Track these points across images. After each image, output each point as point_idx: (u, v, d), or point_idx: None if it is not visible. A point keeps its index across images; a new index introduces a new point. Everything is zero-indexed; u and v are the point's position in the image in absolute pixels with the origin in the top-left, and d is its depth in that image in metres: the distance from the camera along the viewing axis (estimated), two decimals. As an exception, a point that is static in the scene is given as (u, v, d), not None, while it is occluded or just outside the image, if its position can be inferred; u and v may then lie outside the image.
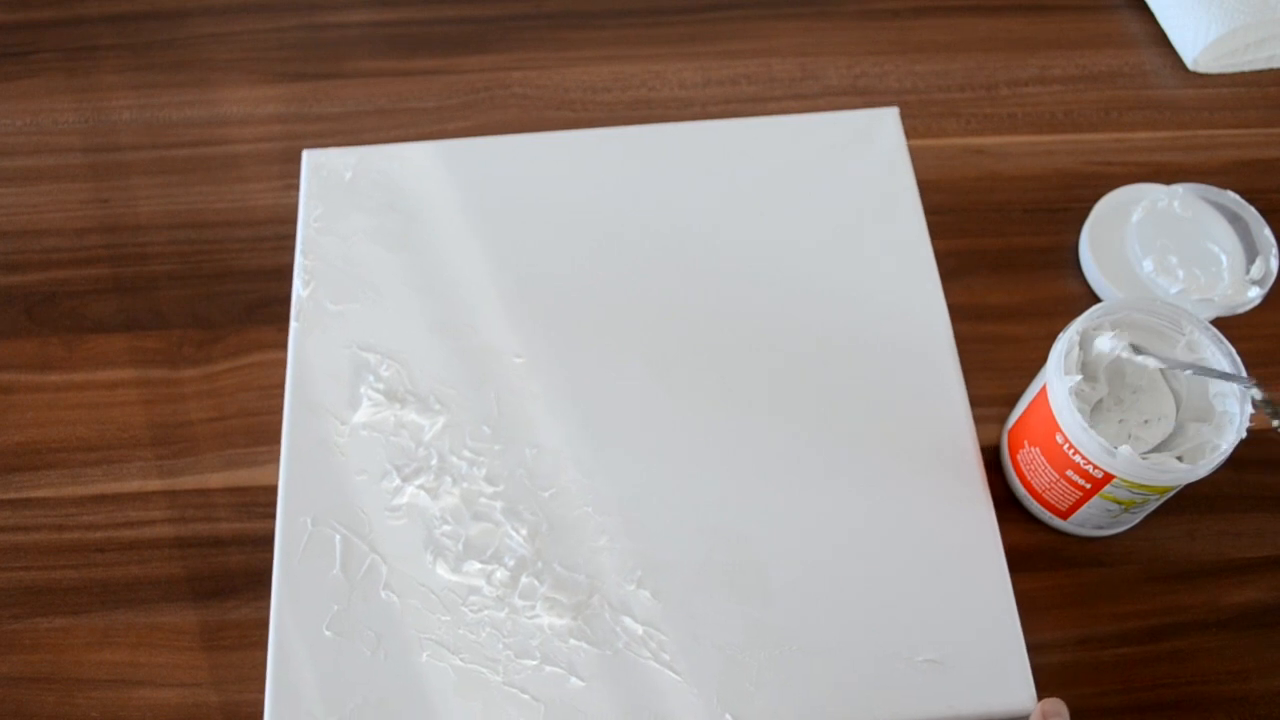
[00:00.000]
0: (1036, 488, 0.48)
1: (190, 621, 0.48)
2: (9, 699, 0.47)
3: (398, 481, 0.50)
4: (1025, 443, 0.48)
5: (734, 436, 0.51)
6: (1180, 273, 0.54)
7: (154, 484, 0.51)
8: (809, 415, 0.51)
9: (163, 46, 0.66)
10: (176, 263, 0.58)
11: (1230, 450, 0.43)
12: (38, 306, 0.57)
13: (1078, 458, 0.44)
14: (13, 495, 0.51)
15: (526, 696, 0.45)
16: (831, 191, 0.58)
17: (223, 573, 0.49)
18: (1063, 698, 0.46)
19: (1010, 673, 0.45)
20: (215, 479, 0.51)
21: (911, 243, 0.56)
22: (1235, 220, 0.56)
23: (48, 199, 0.60)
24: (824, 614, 0.46)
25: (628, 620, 0.47)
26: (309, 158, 0.59)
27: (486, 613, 0.47)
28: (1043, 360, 0.47)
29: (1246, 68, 0.65)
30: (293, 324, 0.54)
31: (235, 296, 0.56)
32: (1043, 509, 0.49)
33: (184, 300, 0.57)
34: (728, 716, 0.45)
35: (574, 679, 0.46)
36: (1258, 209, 0.56)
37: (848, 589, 0.47)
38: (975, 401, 0.53)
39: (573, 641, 0.46)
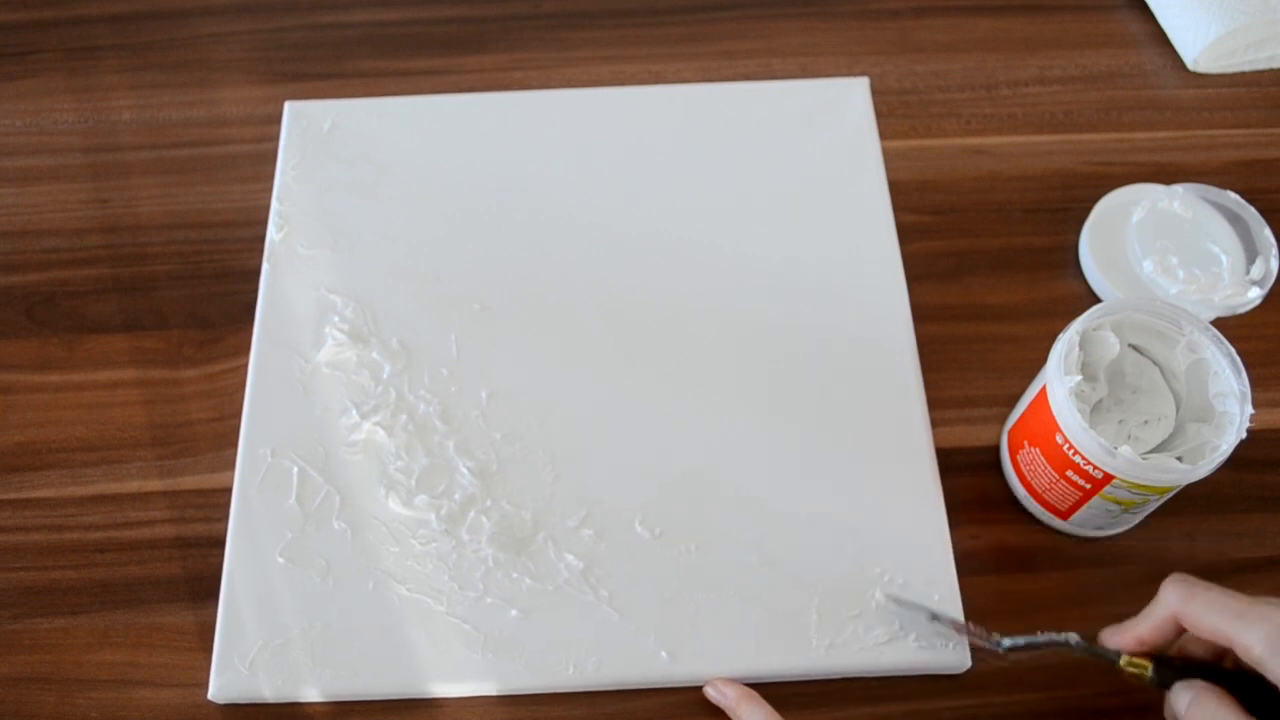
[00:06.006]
0: (1036, 488, 0.48)
1: (190, 621, 0.48)
2: (9, 699, 0.47)
3: (356, 418, 0.51)
4: (1025, 443, 0.48)
5: (683, 389, 0.52)
6: (1180, 273, 0.54)
7: (154, 484, 0.51)
8: (759, 372, 0.53)
9: (163, 46, 0.66)
10: (176, 263, 0.58)
11: (1230, 450, 0.43)
12: (38, 306, 0.57)
13: (1078, 458, 0.44)
14: (13, 495, 0.51)
15: (468, 627, 0.46)
16: (799, 157, 0.59)
17: (222, 573, 0.49)
18: (1063, 699, 0.46)
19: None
20: (215, 479, 0.51)
21: (873, 209, 0.57)
22: (1235, 220, 0.56)
23: (48, 199, 0.60)
24: (760, 562, 0.48)
25: (570, 557, 0.48)
26: (290, 108, 0.61)
27: (434, 545, 0.48)
28: (1043, 360, 0.47)
29: (1247, 68, 0.65)
30: (264, 266, 0.55)
31: (235, 296, 0.56)
32: (1043, 509, 0.49)
33: (184, 300, 0.57)
34: (664, 653, 0.46)
35: (514, 610, 0.47)
36: (1258, 209, 0.55)
37: (785, 540, 0.48)
38: (975, 402, 0.53)
39: (515, 575, 0.47)
